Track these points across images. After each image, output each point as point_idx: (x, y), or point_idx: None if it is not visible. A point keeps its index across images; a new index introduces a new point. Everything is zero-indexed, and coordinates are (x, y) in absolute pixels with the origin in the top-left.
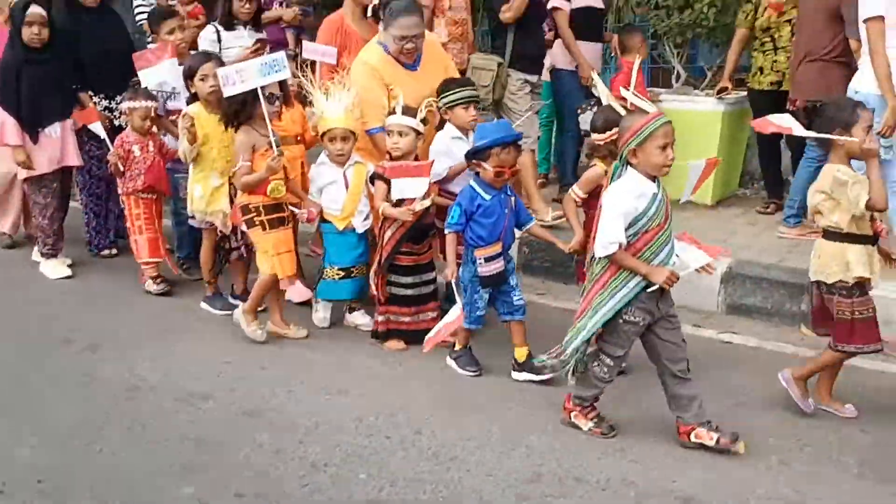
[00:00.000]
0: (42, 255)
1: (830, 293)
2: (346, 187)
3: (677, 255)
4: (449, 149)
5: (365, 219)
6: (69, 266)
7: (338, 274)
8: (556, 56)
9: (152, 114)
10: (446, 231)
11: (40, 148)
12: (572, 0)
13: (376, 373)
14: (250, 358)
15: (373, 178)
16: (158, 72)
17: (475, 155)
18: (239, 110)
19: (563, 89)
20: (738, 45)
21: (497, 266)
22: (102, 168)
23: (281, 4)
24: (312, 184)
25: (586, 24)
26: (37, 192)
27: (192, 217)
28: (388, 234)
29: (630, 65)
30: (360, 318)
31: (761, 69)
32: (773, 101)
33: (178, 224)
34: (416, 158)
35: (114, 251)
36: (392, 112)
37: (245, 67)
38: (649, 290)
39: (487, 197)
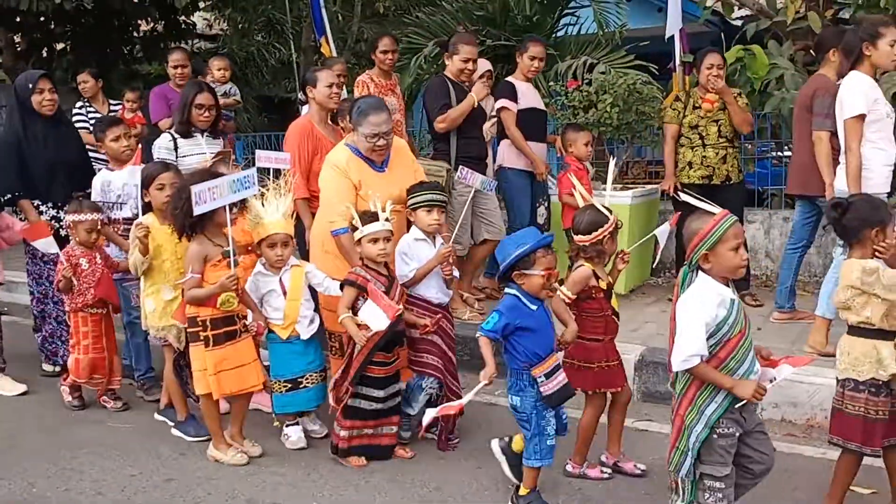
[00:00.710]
0: None
1: (859, 390)
2: (284, 293)
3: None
4: (413, 251)
5: (310, 323)
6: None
7: (284, 386)
8: (504, 155)
9: (98, 226)
10: (480, 335)
11: None
12: (519, 101)
13: (288, 479)
14: (156, 469)
15: (342, 285)
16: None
17: (514, 267)
18: (196, 223)
19: (510, 188)
20: (672, 142)
21: (560, 380)
22: None
23: None
24: (251, 295)
25: (531, 125)
26: None
27: (148, 332)
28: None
29: (574, 162)
30: (310, 425)
31: (690, 164)
32: (702, 194)
33: (133, 336)
34: (387, 266)
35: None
36: (375, 218)
37: (217, 185)
38: (737, 405)
39: (534, 307)
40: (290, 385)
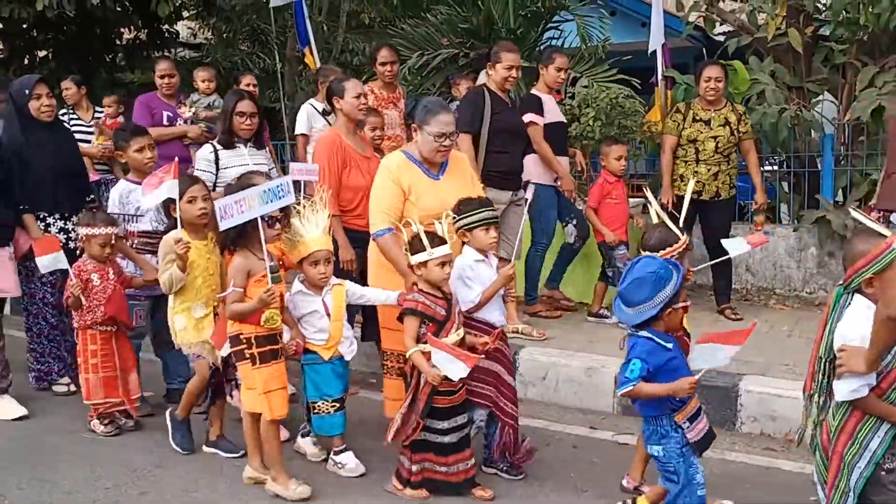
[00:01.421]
0: None
1: None
2: (328, 314)
3: None
4: (475, 273)
5: (350, 344)
6: None
7: (333, 406)
8: (531, 170)
9: (112, 241)
10: (627, 388)
11: None
12: (545, 115)
13: (269, 493)
14: (131, 482)
15: (401, 316)
16: (159, 194)
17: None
18: (237, 237)
19: (539, 202)
20: (670, 154)
21: (704, 424)
22: (56, 295)
23: (186, 121)
24: (290, 314)
25: (556, 139)
26: None
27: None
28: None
29: (607, 175)
30: (309, 447)
31: (682, 177)
32: (691, 208)
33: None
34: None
35: (72, 387)
36: (441, 241)
37: (246, 196)
38: None
39: (669, 345)
40: (337, 405)
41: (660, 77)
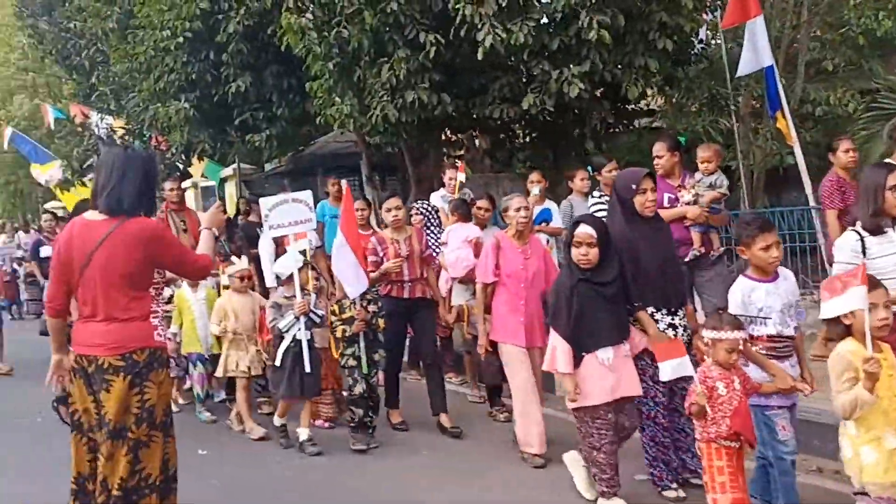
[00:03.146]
0: (600, 493)
1: None
2: None
3: None
4: None
5: None
6: None
7: None
8: None
9: (740, 346)
10: None
11: (589, 376)
12: None
13: None
14: None
15: None
16: (842, 304)
17: None
18: None
19: None
20: None
21: None
22: (668, 394)
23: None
24: None
25: None
26: (588, 423)
27: (864, 492)
28: None
29: None
30: None
31: None
32: None
33: (783, 474)
34: None
35: (681, 494)
36: None
37: None
38: None
39: None
40: None
41: None
